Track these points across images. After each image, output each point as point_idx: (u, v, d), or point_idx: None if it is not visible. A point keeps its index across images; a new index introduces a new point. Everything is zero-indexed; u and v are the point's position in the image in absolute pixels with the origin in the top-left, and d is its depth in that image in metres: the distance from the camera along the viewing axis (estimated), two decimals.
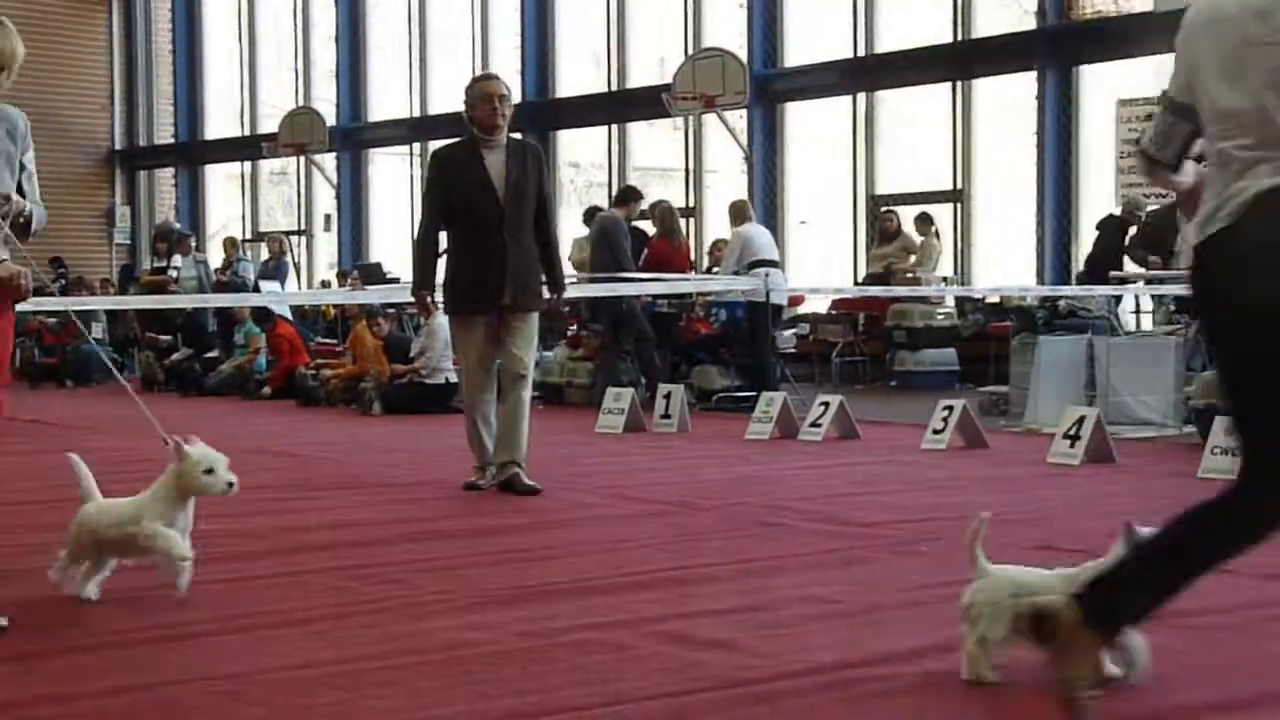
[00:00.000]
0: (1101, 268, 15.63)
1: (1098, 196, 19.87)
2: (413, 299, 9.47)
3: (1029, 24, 20.78)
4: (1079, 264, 20.01)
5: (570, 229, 19.84)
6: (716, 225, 22.99)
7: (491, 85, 8.97)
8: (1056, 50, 20.29)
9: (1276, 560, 6.17)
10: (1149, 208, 16.27)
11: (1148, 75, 19.50)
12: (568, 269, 17.96)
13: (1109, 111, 18.93)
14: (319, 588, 5.89)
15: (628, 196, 16.46)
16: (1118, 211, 17.03)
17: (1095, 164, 19.94)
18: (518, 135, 10.22)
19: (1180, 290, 13.73)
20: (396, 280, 21.65)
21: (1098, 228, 17.08)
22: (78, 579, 5.63)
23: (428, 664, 4.65)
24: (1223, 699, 4.21)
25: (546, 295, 9.03)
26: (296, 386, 17.28)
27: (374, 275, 22.39)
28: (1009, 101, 21.19)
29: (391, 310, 17.08)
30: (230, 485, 5.63)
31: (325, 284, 27.05)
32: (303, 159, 28.58)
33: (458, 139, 9.33)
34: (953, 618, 5.08)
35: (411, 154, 29.14)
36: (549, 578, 6.02)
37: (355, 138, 29.76)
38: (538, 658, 4.70)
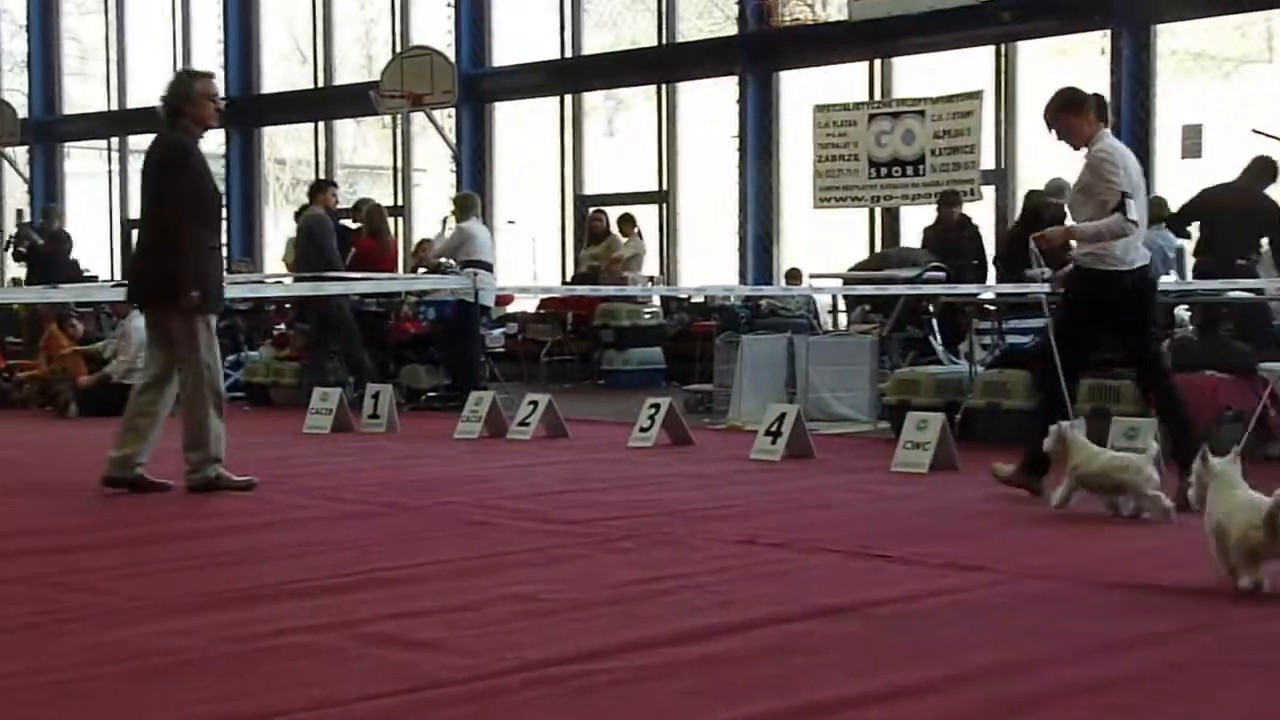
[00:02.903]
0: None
1: (796, 199, 20.44)
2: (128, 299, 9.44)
3: (731, 30, 21.26)
4: (780, 264, 20.58)
5: (281, 228, 19.47)
6: (425, 224, 22.92)
7: (212, 84, 8.93)
8: (757, 56, 20.81)
9: (957, 550, 6.49)
10: None
11: (843, 81, 20.19)
12: (280, 268, 17.59)
13: (807, 116, 19.48)
14: (14, 597, 5.71)
15: (320, 189, 16.11)
16: None
17: (794, 167, 20.49)
18: None
19: (871, 291, 14.24)
20: (95, 279, 20.97)
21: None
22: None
23: (124, 673, 4.54)
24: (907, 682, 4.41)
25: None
26: None
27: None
28: (712, 105, 21.65)
29: (89, 310, 16.52)
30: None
31: (16, 281, 26.06)
32: None
33: (172, 134, 8.76)
34: (655, 614, 5.21)
35: (110, 149, 28.27)
36: (256, 581, 5.95)
37: (49, 131, 28.76)
38: (242, 663, 4.64)
